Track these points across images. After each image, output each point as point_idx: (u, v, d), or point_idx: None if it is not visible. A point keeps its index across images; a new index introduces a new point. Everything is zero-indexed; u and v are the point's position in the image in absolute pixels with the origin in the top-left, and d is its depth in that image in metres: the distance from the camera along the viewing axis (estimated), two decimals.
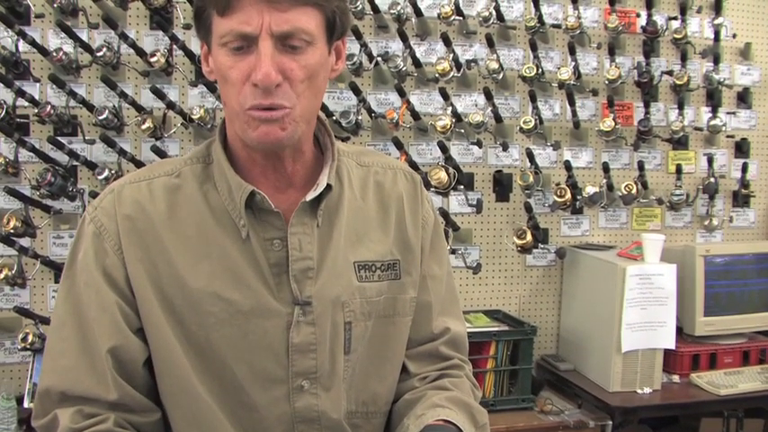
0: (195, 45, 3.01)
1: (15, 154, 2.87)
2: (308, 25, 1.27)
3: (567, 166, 3.37)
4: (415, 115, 3.22)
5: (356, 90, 3.04)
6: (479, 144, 3.30)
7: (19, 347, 2.83)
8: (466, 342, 1.62)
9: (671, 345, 3.17)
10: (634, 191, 3.47)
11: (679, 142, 3.68)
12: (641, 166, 3.50)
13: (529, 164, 3.34)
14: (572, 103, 3.38)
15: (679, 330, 3.27)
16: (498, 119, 3.32)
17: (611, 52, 3.44)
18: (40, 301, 2.99)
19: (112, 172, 2.88)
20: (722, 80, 3.64)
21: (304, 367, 1.39)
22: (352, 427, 1.47)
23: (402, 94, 3.14)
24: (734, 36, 3.74)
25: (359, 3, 3.11)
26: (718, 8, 3.69)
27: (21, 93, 2.80)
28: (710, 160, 3.67)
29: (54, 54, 2.84)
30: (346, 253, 1.43)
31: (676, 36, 3.56)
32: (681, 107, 3.58)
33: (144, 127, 2.93)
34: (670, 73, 3.59)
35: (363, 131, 3.23)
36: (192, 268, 1.37)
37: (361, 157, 1.54)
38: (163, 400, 1.42)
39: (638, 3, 3.58)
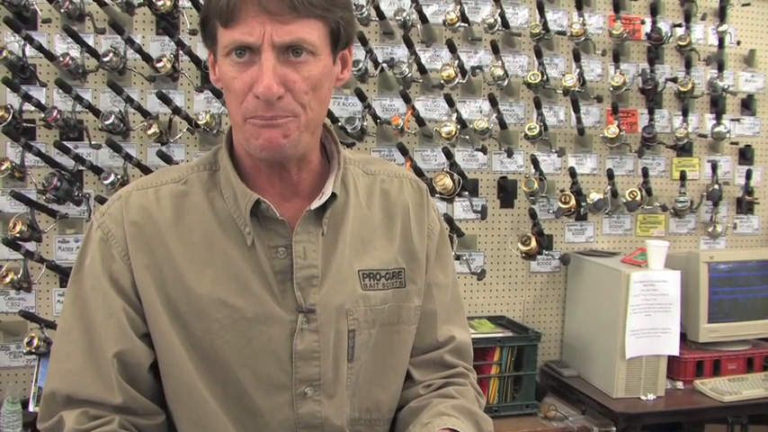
0: (201, 50, 3.02)
1: (22, 158, 2.88)
2: (311, 36, 1.28)
3: (572, 172, 3.37)
4: (420, 121, 3.22)
5: (361, 96, 3.05)
6: (484, 150, 3.30)
7: (24, 351, 2.84)
8: (470, 350, 1.63)
9: (675, 351, 3.17)
10: (638, 197, 3.47)
11: (683, 149, 3.68)
12: (645, 173, 3.51)
13: (533, 170, 3.34)
14: (576, 110, 3.38)
15: (683, 337, 3.26)
16: (503, 125, 3.33)
17: (616, 59, 3.45)
18: (45, 306, 3.00)
19: (118, 177, 2.89)
20: (726, 87, 3.63)
21: (307, 374, 1.40)
22: None
23: (407, 100, 3.15)
24: (738, 43, 3.75)
25: (364, 9, 3.12)
26: (722, 15, 3.69)
27: (27, 97, 2.81)
28: (714, 167, 3.67)
29: (60, 59, 2.85)
30: (351, 261, 1.44)
31: (681, 43, 3.57)
32: (685, 114, 3.58)
33: (150, 132, 2.94)
34: (674, 80, 3.59)
35: (368, 137, 3.24)
36: (197, 274, 1.38)
37: (368, 165, 1.55)
38: (169, 404, 1.43)
39: (642, 10, 3.59)
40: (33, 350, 2.83)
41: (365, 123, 3.14)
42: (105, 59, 2.90)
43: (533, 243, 3.28)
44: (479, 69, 3.34)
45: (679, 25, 3.58)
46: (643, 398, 3.13)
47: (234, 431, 1.41)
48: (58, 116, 2.84)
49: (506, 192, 3.47)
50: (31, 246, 2.86)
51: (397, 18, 3.20)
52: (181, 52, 2.99)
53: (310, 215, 1.40)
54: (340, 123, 3.10)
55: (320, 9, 1.27)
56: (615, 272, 3.17)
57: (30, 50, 2.86)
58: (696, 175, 3.74)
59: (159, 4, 2.95)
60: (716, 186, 3.68)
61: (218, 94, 2.99)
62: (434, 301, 1.54)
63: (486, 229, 3.47)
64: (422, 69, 3.24)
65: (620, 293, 3.10)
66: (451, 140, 3.17)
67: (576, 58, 3.35)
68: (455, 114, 3.21)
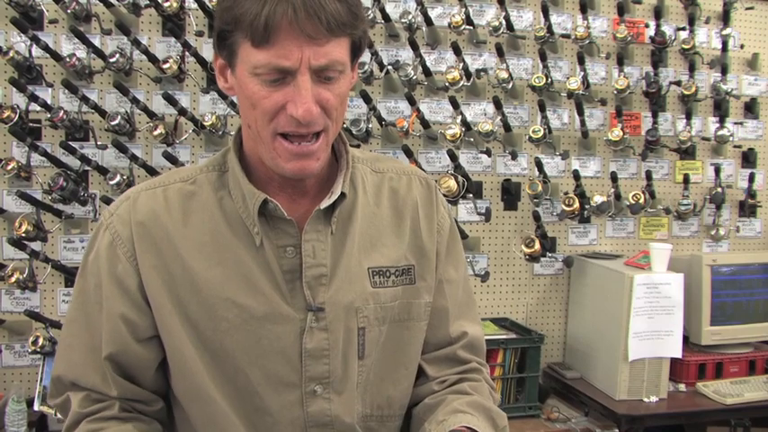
0: (207, 52, 3.03)
1: (28, 158, 2.90)
2: (342, 56, 1.29)
3: (576, 175, 3.38)
4: (425, 123, 3.23)
5: (367, 98, 3.06)
6: (488, 153, 3.31)
7: (29, 351, 2.85)
8: (483, 345, 1.64)
9: (677, 354, 3.17)
10: (642, 200, 3.47)
11: (686, 152, 3.69)
12: (649, 176, 3.52)
13: (537, 173, 3.35)
14: (580, 113, 3.39)
15: (685, 339, 3.28)
16: (507, 128, 3.33)
17: (620, 62, 3.46)
18: (50, 305, 3.01)
19: (124, 177, 2.91)
20: (730, 90, 3.65)
21: (317, 372, 1.41)
22: (366, 431, 1.48)
23: (412, 102, 3.16)
24: (741, 47, 3.76)
25: (370, 12, 3.13)
26: (725, 19, 3.70)
27: (33, 97, 2.82)
28: (718, 170, 3.68)
29: (67, 59, 2.87)
30: (360, 259, 1.44)
31: (684, 46, 3.58)
32: (688, 117, 3.60)
33: (156, 133, 2.95)
34: (678, 83, 3.61)
35: (373, 139, 3.25)
36: (206, 274, 1.39)
37: (376, 163, 1.55)
38: (180, 402, 1.45)
39: (646, 13, 3.60)
40: (38, 349, 2.84)
41: (370, 125, 3.15)
42: (111, 60, 2.91)
43: (537, 245, 3.29)
44: (484, 72, 3.36)
45: (683, 28, 3.59)
46: (646, 400, 3.14)
47: (244, 430, 1.42)
48: (65, 116, 2.85)
49: (510, 194, 3.48)
50: (36, 246, 2.86)
51: (403, 20, 3.21)
52: (187, 54, 3.00)
53: (319, 214, 1.40)
54: (345, 125, 3.11)
55: (350, 27, 1.28)
56: (618, 274, 3.17)
57: (36, 51, 2.87)
58: (699, 178, 3.75)
59: (166, 5, 2.96)
60: (719, 189, 3.69)
61: (224, 96, 3.00)
62: (446, 297, 1.55)
63: (489, 231, 3.47)
64: (426, 72, 3.25)
65: (623, 296, 3.11)
66: (456, 143, 3.18)
67: (581, 62, 3.36)
68: (459, 117, 3.21)
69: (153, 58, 2.97)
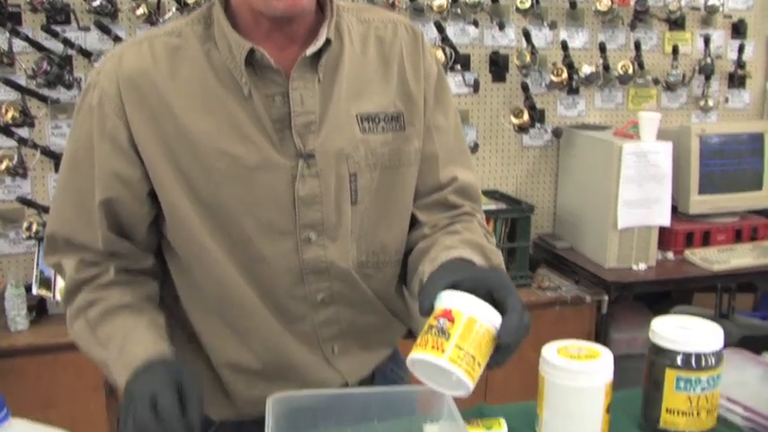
0: None
1: (9, 44, 2.86)
2: None
3: (564, 45, 3.35)
4: None
5: None
6: (476, 24, 3.27)
7: (24, 237, 2.88)
8: (477, 191, 1.63)
9: (666, 222, 3.22)
10: (630, 71, 3.46)
11: (675, 23, 3.65)
12: (638, 46, 3.49)
13: (525, 44, 3.32)
14: None
15: (674, 209, 3.32)
16: None
17: None
18: (41, 191, 3.02)
19: None
20: None
21: (310, 219, 1.42)
22: (363, 277, 1.51)
23: None
24: None
25: None
26: None
27: None
28: (707, 41, 3.66)
29: None
30: (348, 106, 1.44)
31: None
32: None
33: (138, 13, 2.91)
34: None
35: None
36: (196, 125, 1.38)
37: (362, 12, 1.53)
38: (180, 257, 1.47)
39: None
40: (33, 235, 2.87)
41: None
42: None
43: (525, 116, 3.29)
44: None
45: None
46: (634, 267, 3.20)
47: (241, 280, 1.44)
48: None
49: (498, 66, 3.45)
50: (24, 132, 2.86)
51: None
52: None
53: (305, 61, 1.39)
54: None
55: None
56: (607, 144, 3.19)
57: None
58: (688, 50, 3.73)
59: None
60: (708, 60, 3.67)
61: None
62: (435, 143, 1.54)
63: (478, 103, 3.47)
64: None
65: (612, 165, 3.13)
66: (443, 14, 3.15)
67: None
68: None
69: None
